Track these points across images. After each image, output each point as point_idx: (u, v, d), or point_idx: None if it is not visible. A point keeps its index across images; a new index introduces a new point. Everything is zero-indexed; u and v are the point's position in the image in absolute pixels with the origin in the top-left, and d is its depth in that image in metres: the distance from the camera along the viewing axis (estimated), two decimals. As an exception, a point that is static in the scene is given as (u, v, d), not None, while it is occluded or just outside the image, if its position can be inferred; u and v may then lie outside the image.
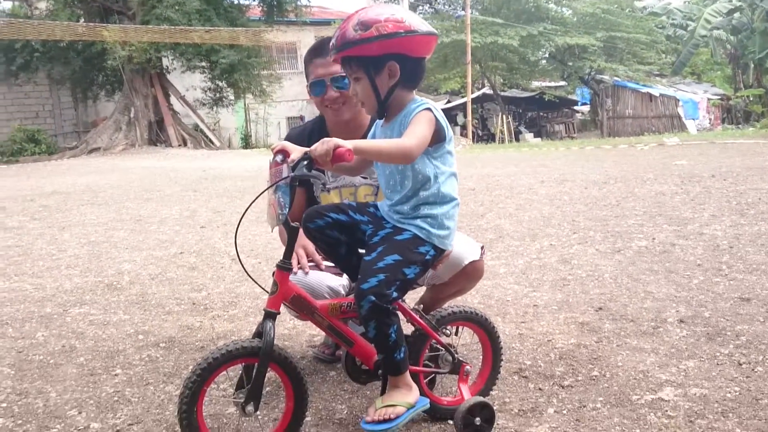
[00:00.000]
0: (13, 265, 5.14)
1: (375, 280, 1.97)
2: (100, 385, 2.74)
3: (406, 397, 2.05)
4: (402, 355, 2.05)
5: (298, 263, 2.50)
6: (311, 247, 2.57)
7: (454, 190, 2.18)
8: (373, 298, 1.95)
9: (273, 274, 2.06)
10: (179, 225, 6.85)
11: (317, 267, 2.56)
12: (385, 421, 2.00)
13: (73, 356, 3.09)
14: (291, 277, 2.11)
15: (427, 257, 2.11)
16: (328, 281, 2.50)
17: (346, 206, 2.23)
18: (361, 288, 1.98)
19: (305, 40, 28.17)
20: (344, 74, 2.47)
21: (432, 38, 2.08)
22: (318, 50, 2.63)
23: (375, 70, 2.07)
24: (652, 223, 5.62)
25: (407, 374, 2.09)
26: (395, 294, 2.01)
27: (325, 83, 2.61)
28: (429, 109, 2.08)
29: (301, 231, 2.15)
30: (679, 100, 29.44)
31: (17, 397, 2.64)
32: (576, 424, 2.23)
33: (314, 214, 2.18)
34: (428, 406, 2.13)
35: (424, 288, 2.70)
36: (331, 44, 2.09)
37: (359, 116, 2.66)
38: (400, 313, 2.19)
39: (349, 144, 1.86)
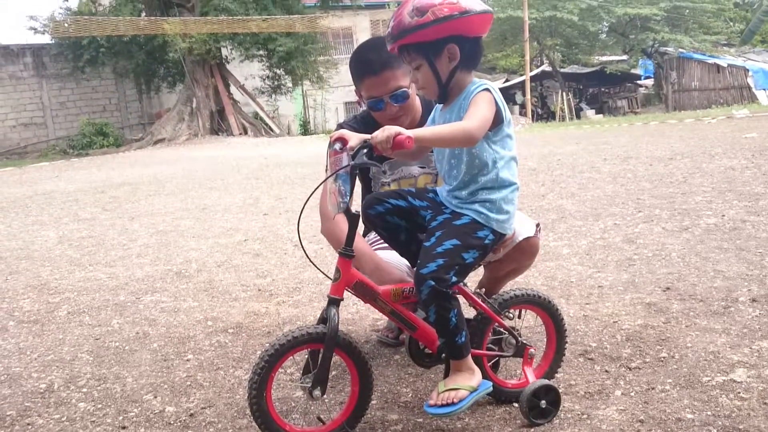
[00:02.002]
0: (87, 255, 5.35)
1: (434, 264, 1.98)
2: (173, 370, 2.85)
3: (469, 381, 2.06)
4: (463, 339, 2.05)
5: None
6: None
7: (513, 174, 2.16)
8: (432, 282, 1.96)
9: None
10: (243, 212, 6.99)
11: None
12: (448, 404, 2.01)
13: (147, 342, 3.21)
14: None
15: (486, 241, 2.11)
16: (403, 260, 2.50)
17: (405, 192, 2.24)
18: (421, 272, 1.99)
19: (361, 24, 28.23)
20: (401, 88, 2.48)
21: (488, 16, 2.06)
22: (367, 67, 2.51)
23: (434, 55, 2.06)
24: (722, 200, 5.44)
25: (469, 358, 2.09)
26: (454, 278, 2.01)
27: (384, 101, 2.53)
28: (488, 89, 2.07)
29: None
30: (748, 70, 28.22)
31: (96, 382, 2.76)
32: (644, 406, 2.20)
33: (373, 200, 2.20)
34: (491, 389, 2.13)
35: (482, 271, 2.70)
36: (387, 33, 2.09)
37: (414, 115, 2.65)
38: (462, 297, 2.20)
39: (409, 132, 1.87)
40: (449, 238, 2.05)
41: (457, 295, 2.09)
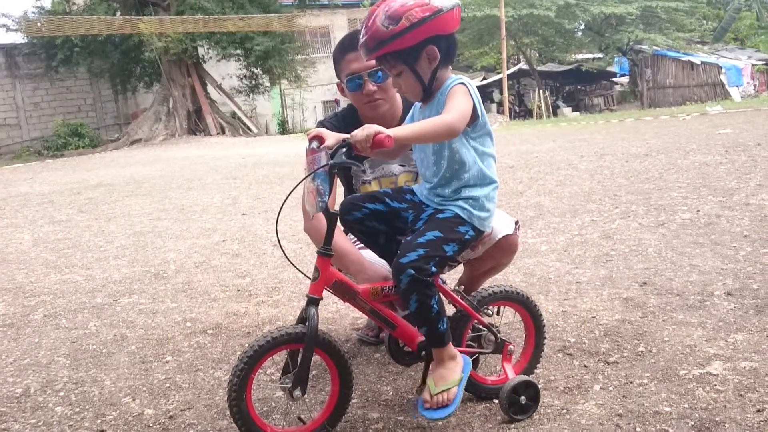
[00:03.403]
0: (63, 258, 5.29)
1: (414, 254, 1.98)
2: (152, 372, 2.82)
3: (455, 374, 2.07)
4: (445, 326, 2.06)
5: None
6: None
7: (494, 172, 2.17)
8: (413, 271, 1.96)
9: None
10: (221, 213, 6.95)
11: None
12: (444, 406, 2.02)
13: (125, 345, 3.18)
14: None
15: (467, 236, 2.12)
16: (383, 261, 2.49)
17: (381, 194, 2.24)
18: (400, 262, 1.99)
19: (338, 23, 28.15)
20: (381, 67, 2.48)
21: (458, 10, 2.07)
22: (348, 45, 2.54)
23: (414, 60, 2.06)
24: (697, 195, 5.51)
25: (450, 345, 2.10)
26: (434, 269, 2.01)
27: (363, 78, 2.54)
28: (463, 83, 2.08)
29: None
30: (721, 67, 28.59)
31: (74, 385, 2.73)
32: (623, 400, 2.22)
33: (351, 206, 2.19)
34: (471, 364, 2.14)
35: (462, 270, 2.71)
36: (360, 44, 2.07)
37: (393, 106, 2.65)
38: (441, 295, 2.20)
39: (389, 131, 1.86)
40: (431, 230, 2.06)
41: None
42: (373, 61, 2.32)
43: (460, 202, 2.12)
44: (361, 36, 2.07)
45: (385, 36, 2.00)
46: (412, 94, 2.15)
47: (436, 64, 2.08)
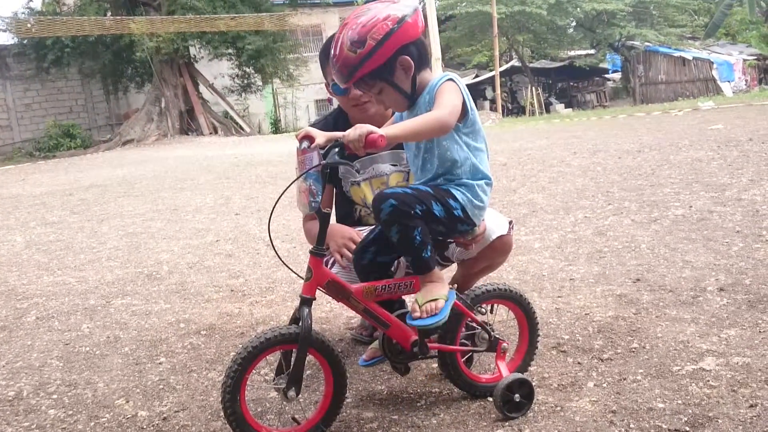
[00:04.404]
0: (56, 260, 5.27)
1: (401, 190, 2.01)
2: (146, 373, 2.81)
3: (442, 289, 2.09)
4: (429, 253, 2.06)
5: (341, 256, 2.48)
6: (354, 235, 2.52)
7: (486, 167, 2.18)
8: (395, 202, 1.97)
9: None
10: (214, 213, 6.93)
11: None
12: (432, 315, 2.02)
13: (118, 346, 3.17)
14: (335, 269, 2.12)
15: (455, 212, 2.12)
16: None
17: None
18: (384, 192, 2.00)
19: (330, 21, 28.12)
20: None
21: (419, 12, 2.05)
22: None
23: (390, 74, 2.06)
24: (689, 191, 5.53)
25: (436, 270, 2.11)
26: (418, 212, 2.00)
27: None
28: (451, 79, 2.07)
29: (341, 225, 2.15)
30: (713, 63, 28.72)
31: (67, 388, 2.72)
32: (617, 396, 2.22)
33: (361, 252, 2.23)
34: (455, 295, 2.15)
35: (455, 268, 2.71)
36: (335, 73, 2.06)
37: (383, 112, 2.65)
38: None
39: (381, 131, 1.86)
40: (425, 186, 2.09)
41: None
42: None
43: (453, 185, 2.14)
44: (332, 65, 2.06)
45: (354, 61, 1.99)
46: (397, 107, 2.16)
47: (412, 72, 2.07)
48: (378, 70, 2.03)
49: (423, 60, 2.10)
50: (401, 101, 2.12)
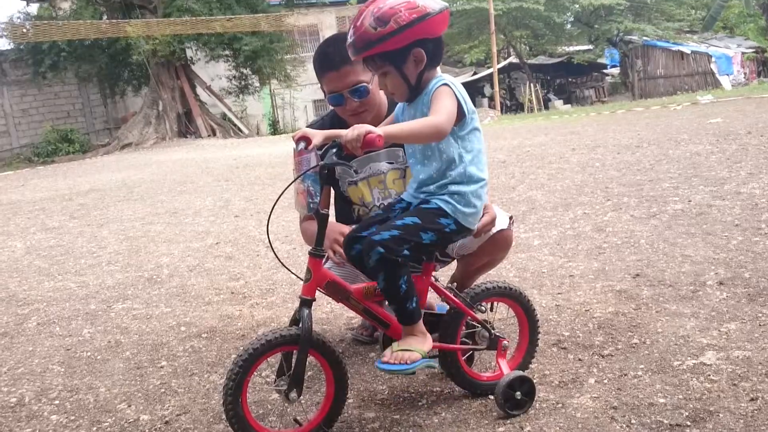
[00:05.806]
0: (56, 265, 5.27)
1: (388, 234, 1.99)
2: (147, 377, 2.81)
3: (422, 345, 2.07)
4: (414, 305, 2.06)
5: (335, 253, 2.48)
6: (345, 230, 2.54)
7: (482, 169, 2.17)
8: (382, 250, 1.96)
9: None
10: (214, 215, 6.93)
11: None
12: (401, 363, 2.01)
13: (120, 351, 3.17)
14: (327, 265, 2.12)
15: (447, 230, 2.11)
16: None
17: (374, 218, 2.24)
18: (372, 238, 1.99)
19: (326, 21, 28.14)
20: (361, 83, 2.48)
21: (446, 13, 2.06)
22: (326, 63, 2.51)
23: (401, 61, 2.06)
24: (688, 185, 5.53)
25: (420, 323, 2.10)
26: (406, 252, 2.00)
27: (344, 96, 2.53)
28: (446, 84, 2.08)
29: (332, 221, 2.15)
30: (711, 56, 28.70)
31: (68, 393, 2.72)
32: (618, 392, 2.23)
33: (352, 240, 2.17)
34: (436, 365, 2.15)
35: (455, 266, 2.71)
36: (348, 44, 2.07)
37: (378, 110, 2.65)
38: (434, 292, 2.21)
39: (379, 130, 1.86)
40: (411, 216, 2.07)
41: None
42: (353, 78, 2.33)
43: (445, 197, 2.12)
44: (348, 35, 2.06)
45: (372, 38, 2.00)
46: (398, 94, 2.15)
47: (422, 67, 2.08)
48: (391, 54, 2.04)
49: (435, 59, 2.11)
50: (403, 90, 2.12)
